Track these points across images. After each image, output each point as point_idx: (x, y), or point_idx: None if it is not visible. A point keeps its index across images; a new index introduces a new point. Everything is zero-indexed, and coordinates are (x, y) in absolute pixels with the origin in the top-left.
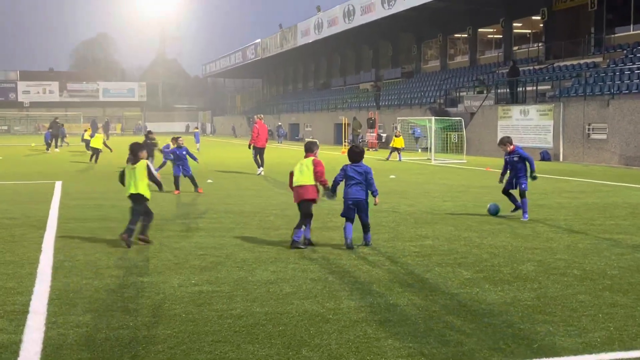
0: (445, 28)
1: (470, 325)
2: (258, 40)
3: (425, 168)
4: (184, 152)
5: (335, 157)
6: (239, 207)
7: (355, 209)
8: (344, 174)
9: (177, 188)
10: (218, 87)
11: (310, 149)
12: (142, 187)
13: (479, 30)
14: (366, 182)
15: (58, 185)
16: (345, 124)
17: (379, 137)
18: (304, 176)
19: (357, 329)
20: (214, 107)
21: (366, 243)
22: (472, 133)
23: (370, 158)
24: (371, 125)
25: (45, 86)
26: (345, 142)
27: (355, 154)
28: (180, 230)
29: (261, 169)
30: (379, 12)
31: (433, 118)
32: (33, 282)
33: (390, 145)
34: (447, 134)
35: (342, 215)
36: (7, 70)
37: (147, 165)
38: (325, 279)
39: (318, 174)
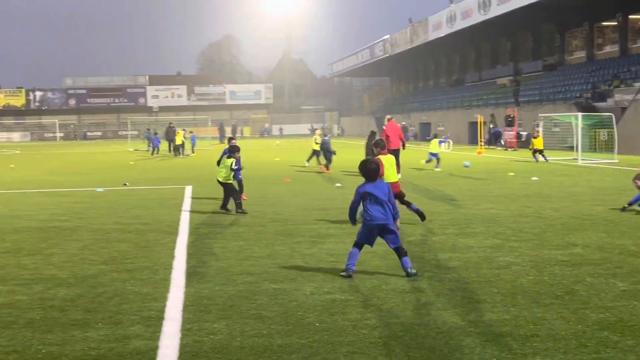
0: (591, 15)
1: (629, 342)
2: (387, 37)
3: (571, 169)
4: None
5: (470, 158)
6: None
7: (378, 235)
8: (361, 196)
9: (240, 192)
10: (345, 87)
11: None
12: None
13: (630, 17)
14: (390, 201)
15: (188, 190)
16: (480, 122)
17: (518, 136)
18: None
19: (501, 343)
20: (340, 108)
21: (409, 272)
22: (624, 130)
23: (507, 158)
24: (510, 123)
25: (174, 90)
26: (481, 141)
27: (372, 171)
28: (311, 236)
29: (398, 175)
30: (518, 1)
31: (579, 114)
32: (167, 288)
33: (530, 147)
34: (595, 132)
35: (359, 242)
36: (136, 75)
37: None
38: (464, 289)
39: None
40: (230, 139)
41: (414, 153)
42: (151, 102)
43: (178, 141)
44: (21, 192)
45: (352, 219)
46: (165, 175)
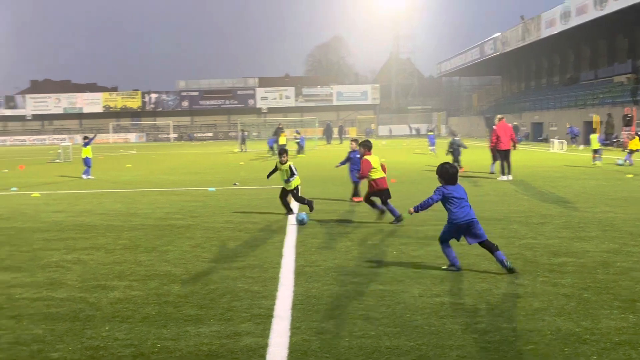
0: None
1: None
2: (497, 34)
3: None
4: (358, 156)
5: (584, 160)
6: (479, 214)
7: (463, 232)
8: (442, 197)
9: (356, 195)
10: (453, 86)
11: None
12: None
13: None
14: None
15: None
16: (596, 121)
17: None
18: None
19: (620, 352)
20: (448, 108)
21: (507, 265)
22: None
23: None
24: (627, 122)
25: (282, 92)
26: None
27: (452, 175)
28: (418, 238)
29: (509, 176)
30: None
31: None
32: (276, 286)
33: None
34: None
35: (446, 238)
36: (246, 77)
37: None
38: (579, 295)
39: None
40: (354, 140)
41: (526, 154)
42: (260, 104)
43: (281, 142)
44: (138, 190)
45: (424, 208)
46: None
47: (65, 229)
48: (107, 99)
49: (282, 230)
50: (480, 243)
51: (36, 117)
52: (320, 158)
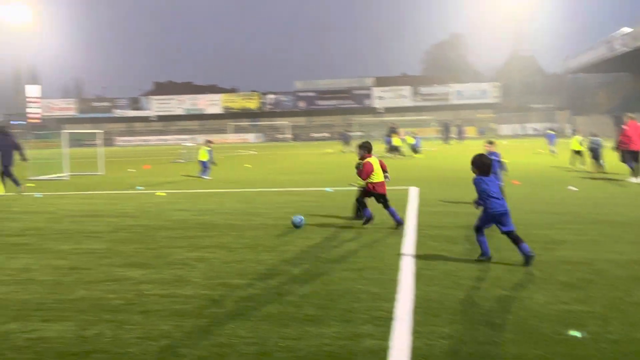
0: None
1: None
2: (628, 30)
3: None
4: (494, 159)
5: None
6: (609, 218)
7: (497, 221)
8: (487, 186)
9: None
10: (578, 84)
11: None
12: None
13: None
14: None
15: (413, 191)
16: None
17: None
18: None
19: None
20: (572, 106)
21: (529, 255)
22: None
23: None
24: None
25: (399, 91)
26: None
27: (487, 167)
28: (544, 242)
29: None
30: None
31: None
32: (396, 288)
33: None
34: None
35: (481, 226)
36: (362, 77)
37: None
38: None
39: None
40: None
41: None
42: (376, 104)
43: (396, 143)
44: (257, 190)
45: (479, 204)
46: (395, 175)
47: (189, 228)
48: (226, 100)
49: (399, 231)
50: (508, 233)
51: (160, 118)
52: (436, 160)
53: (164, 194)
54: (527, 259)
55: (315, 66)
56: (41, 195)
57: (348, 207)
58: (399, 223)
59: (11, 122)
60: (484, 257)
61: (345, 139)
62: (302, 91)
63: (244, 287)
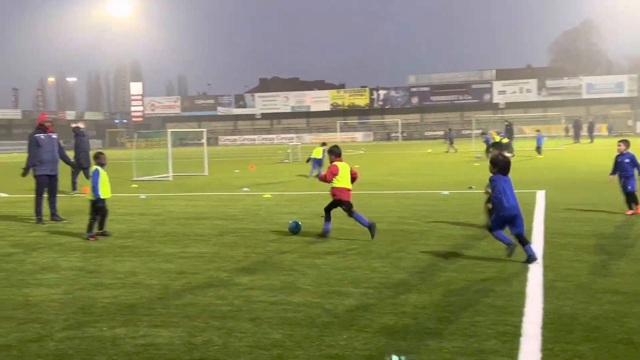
0: None
1: None
2: None
3: None
4: (627, 160)
5: None
6: None
7: (511, 222)
8: (502, 187)
9: (629, 208)
10: None
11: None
12: None
13: None
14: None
15: (540, 195)
16: None
17: None
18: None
19: None
20: None
21: (532, 256)
22: None
23: None
24: None
25: (522, 85)
26: None
27: (505, 165)
28: None
29: None
30: None
31: None
32: (523, 302)
33: None
34: None
35: (496, 226)
36: (482, 70)
37: None
38: None
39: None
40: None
41: None
42: (497, 99)
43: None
44: (367, 193)
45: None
46: (515, 177)
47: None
48: (334, 96)
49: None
50: (518, 236)
51: (265, 116)
52: (563, 160)
53: (270, 196)
54: (529, 259)
55: (430, 59)
56: (145, 197)
57: (467, 212)
58: (370, 227)
59: (115, 121)
60: (509, 246)
61: (449, 138)
62: (415, 86)
63: (357, 296)
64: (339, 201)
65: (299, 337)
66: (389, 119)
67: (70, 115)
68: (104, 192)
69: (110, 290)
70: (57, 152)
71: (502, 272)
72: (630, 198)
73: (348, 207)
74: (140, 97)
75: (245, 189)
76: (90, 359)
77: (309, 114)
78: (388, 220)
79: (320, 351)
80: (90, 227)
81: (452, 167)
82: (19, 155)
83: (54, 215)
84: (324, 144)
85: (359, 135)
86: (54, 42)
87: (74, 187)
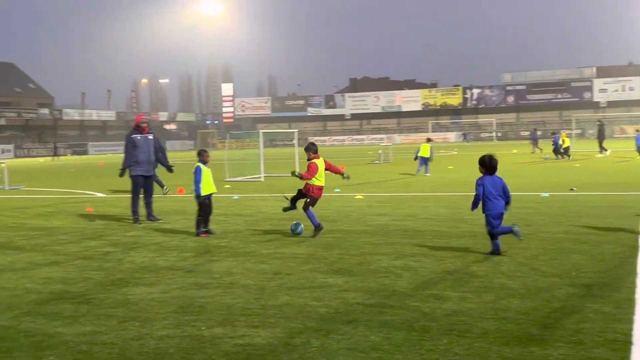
0: None
1: None
2: None
3: None
4: None
5: None
6: None
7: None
8: (483, 188)
9: None
10: None
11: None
12: None
13: None
14: (504, 193)
15: None
16: None
17: None
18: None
19: None
20: None
21: (498, 251)
22: None
23: None
24: None
25: (625, 82)
26: None
27: (495, 164)
28: None
29: None
30: None
31: None
32: (633, 309)
33: None
34: None
35: (491, 226)
36: (581, 67)
37: None
38: None
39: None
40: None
41: None
42: (598, 97)
43: (566, 143)
44: (461, 194)
45: (475, 205)
46: (617, 179)
47: (391, 233)
48: (426, 96)
49: (634, 244)
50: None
51: (355, 117)
52: None
53: (362, 197)
54: (494, 251)
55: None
56: (238, 197)
57: (569, 214)
58: (317, 226)
59: (206, 122)
60: (513, 233)
61: (535, 139)
62: (510, 84)
63: (455, 300)
64: (311, 197)
65: (397, 340)
66: (483, 119)
67: (163, 116)
68: (206, 188)
69: (207, 290)
70: (152, 153)
71: (609, 278)
72: None
73: (311, 203)
74: (231, 98)
75: (337, 190)
76: (190, 358)
77: (399, 114)
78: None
79: (420, 355)
80: (198, 224)
81: (546, 168)
82: (114, 156)
83: (150, 215)
84: (429, 140)
85: (451, 136)
86: (146, 44)
87: (161, 185)
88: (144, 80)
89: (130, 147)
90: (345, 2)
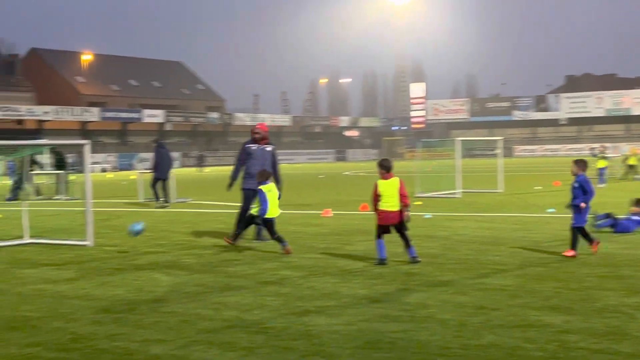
0: None
1: None
2: None
3: None
4: None
5: None
6: None
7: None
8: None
9: None
10: None
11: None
12: None
13: None
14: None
15: None
16: None
17: None
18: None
19: None
20: None
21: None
22: None
23: None
24: None
25: None
26: None
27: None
28: None
29: None
30: None
31: None
32: None
33: None
34: None
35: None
36: None
37: None
38: None
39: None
40: None
41: None
42: None
43: (631, 161)
44: None
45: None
46: None
47: (619, 264)
48: None
49: None
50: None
51: (571, 121)
52: None
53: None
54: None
55: None
56: (431, 216)
57: None
58: (379, 262)
59: (393, 128)
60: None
61: None
62: None
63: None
64: (384, 225)
65: None
66: None
67: (343, 121)
68: (272, 212)
69: (398, 324)
70: (269, 166)
71: None
72: None
73: (379, 231)
74: (422, 101)
75: (550, 210)
76: None
77: (628, 119)
78: None
79: None
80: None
81: None
82: (287, 166)
83: (259, 235)
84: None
85: None
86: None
87: (157, 197)
88: (323, 80)
89: (243, 157)
90: None
